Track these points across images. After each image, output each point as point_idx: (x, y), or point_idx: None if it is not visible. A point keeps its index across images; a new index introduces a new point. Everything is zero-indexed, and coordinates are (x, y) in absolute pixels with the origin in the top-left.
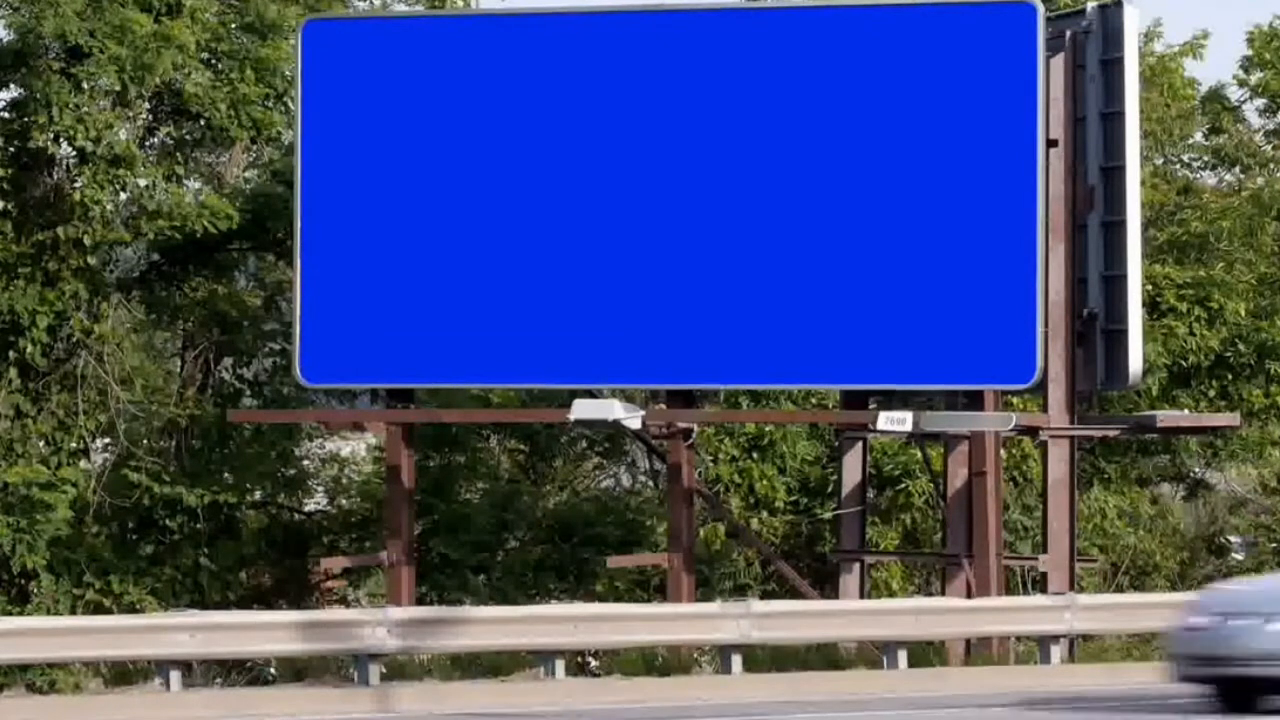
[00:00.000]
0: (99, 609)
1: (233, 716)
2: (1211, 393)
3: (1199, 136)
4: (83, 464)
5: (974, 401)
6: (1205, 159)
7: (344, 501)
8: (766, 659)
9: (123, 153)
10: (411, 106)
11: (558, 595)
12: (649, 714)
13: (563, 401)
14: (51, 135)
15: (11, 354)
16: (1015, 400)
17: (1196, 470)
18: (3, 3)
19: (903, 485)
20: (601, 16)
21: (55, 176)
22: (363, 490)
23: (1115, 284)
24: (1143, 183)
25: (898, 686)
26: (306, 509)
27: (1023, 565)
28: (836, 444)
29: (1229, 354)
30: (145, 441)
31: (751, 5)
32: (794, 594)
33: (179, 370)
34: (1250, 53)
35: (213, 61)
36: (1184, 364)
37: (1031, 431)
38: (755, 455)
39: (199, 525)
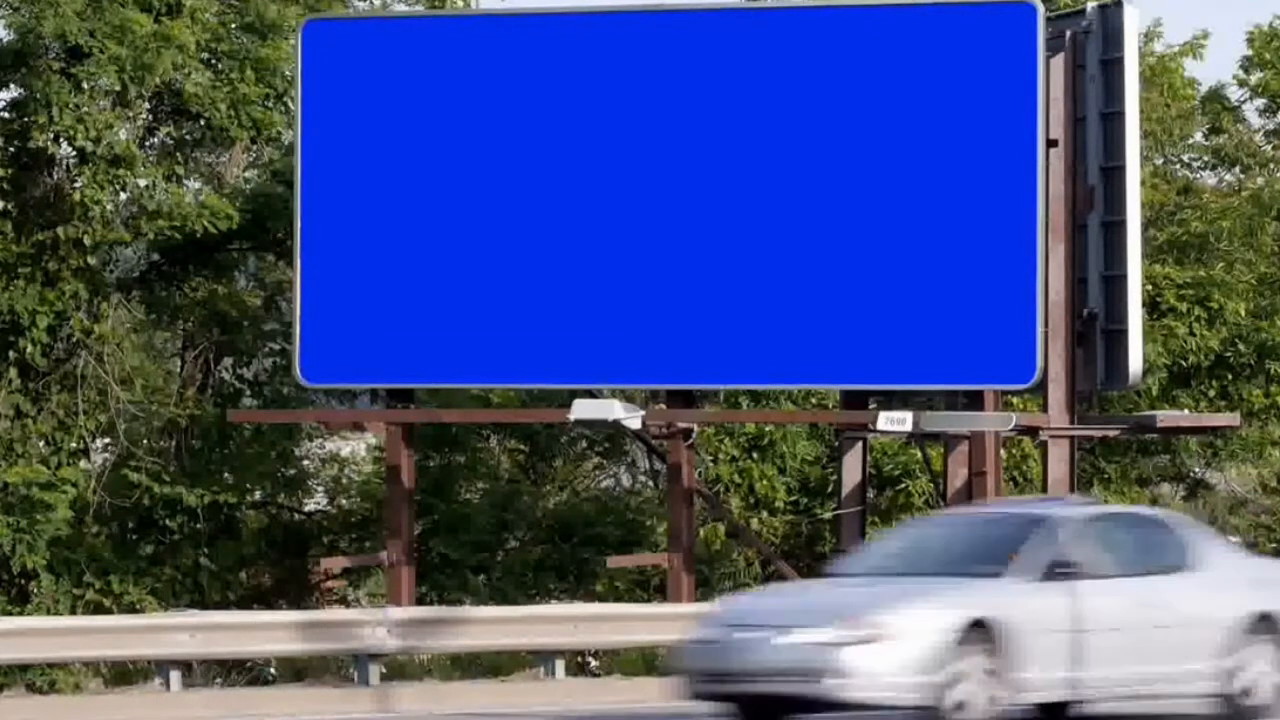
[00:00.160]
0: (99, 609)
1: (233, 716)
2: (1211, 393)
3: (1199, 136)
4: (83, 464)
5: (974, 401)
6: (1205, 159)
7: (344, 501)
8: None
9: (123, 153)
10: (411, 106)
11: (558, 595)
12: (649, 714)
13: (563, 401)
14: (51, 135)
15: (11, 354)
16: (1015, 400)
17: (1196, 470)
18: (3, 3)
19: (903, 485)
20: (601, 16)
21: (55, 176)
22: (363, 490)
23: (1115, 284)
24: (1143, 183)
25: None
26: (306, 509)
27: None
28: (836, 444)
29: (1229, 354)
30: (145, 441)
31: (751, 5)
32: None
33: (179, 370)
34: (1250, 53)
35: (213, 61)
36: (1184, 364)
37: (1031, 431)
38: (755, 455)
39: (199, 525)
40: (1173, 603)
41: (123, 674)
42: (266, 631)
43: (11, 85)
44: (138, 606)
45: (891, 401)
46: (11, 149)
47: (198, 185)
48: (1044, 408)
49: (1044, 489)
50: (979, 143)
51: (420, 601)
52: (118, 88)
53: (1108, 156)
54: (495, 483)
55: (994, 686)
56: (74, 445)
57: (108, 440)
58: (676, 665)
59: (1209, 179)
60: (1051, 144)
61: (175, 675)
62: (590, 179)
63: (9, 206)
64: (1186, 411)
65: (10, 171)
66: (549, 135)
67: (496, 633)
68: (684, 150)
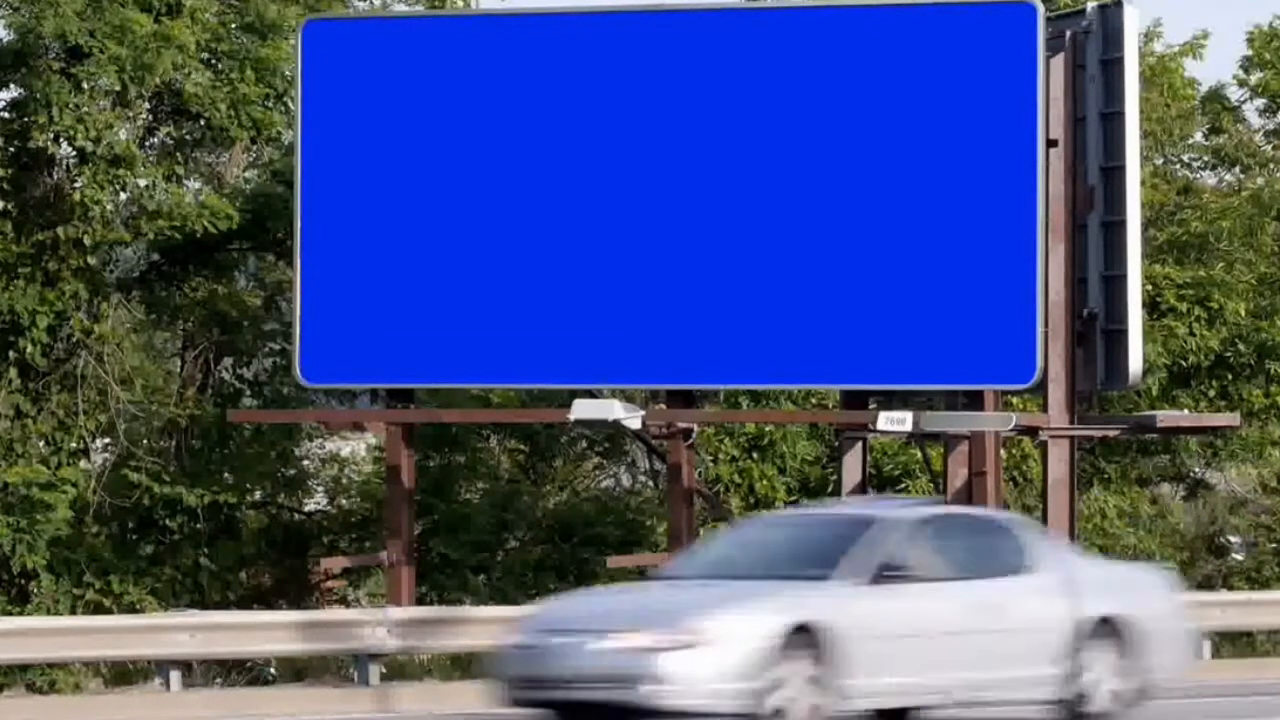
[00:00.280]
0: (99, 609)
1: (233, 716)
2: (1211, 393)
3: (1199, 136)
4: (83, 464)
5: (974, 401)
6: (1205, 159)
7: (344, 501)
8: None
9: (123, 153)
10: (411, 106)
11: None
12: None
13: (563, 401)
14: (51, 135)
15: (11, 354)
16: (1015, 400)
17: (1196, 470)
18: (3, 3)
19: (903, 485)
20: (601, 16)
21: (55, 176)
22: (363, 490)
23: (1115, 284)
24: (1143, 183)
25: None
26: (306, 509)
27: None
28: (836, 444)
29: (1229, 354)
30: (145, 441)
31: (751, 5)
32: None
33: (179, 370)
34: (1250, 53)
35: (213, 61)
36: (1184, 364)
37: (1031, 431)
38: (755, 455)
39: (199, 525)
40: (1009, 606)
41: (123, 674)
42: (266, 631)
43: (11, 85)
44: (138, 606)
45: (891, 401)
46: (11, 149)
47: (198, 185)
48: (1044, 408)
49: (1044, 489)
50: (979, 143)
51: (420, 601)
52: (118, 88)
53: (1108, 156)
54: (495, 483)
55: (818, 694)
56: (74, 445)
57: (108, 440)
58: (495, 671)
59: (1209, 179)
60: (1051, 144)
61: (175, 675)
62: (590, 179)
63: (9, 206)
64: (1186, 411)
65: (10, 171)
66: (549, 135)
67: (496, 633)
68: (684, 150)
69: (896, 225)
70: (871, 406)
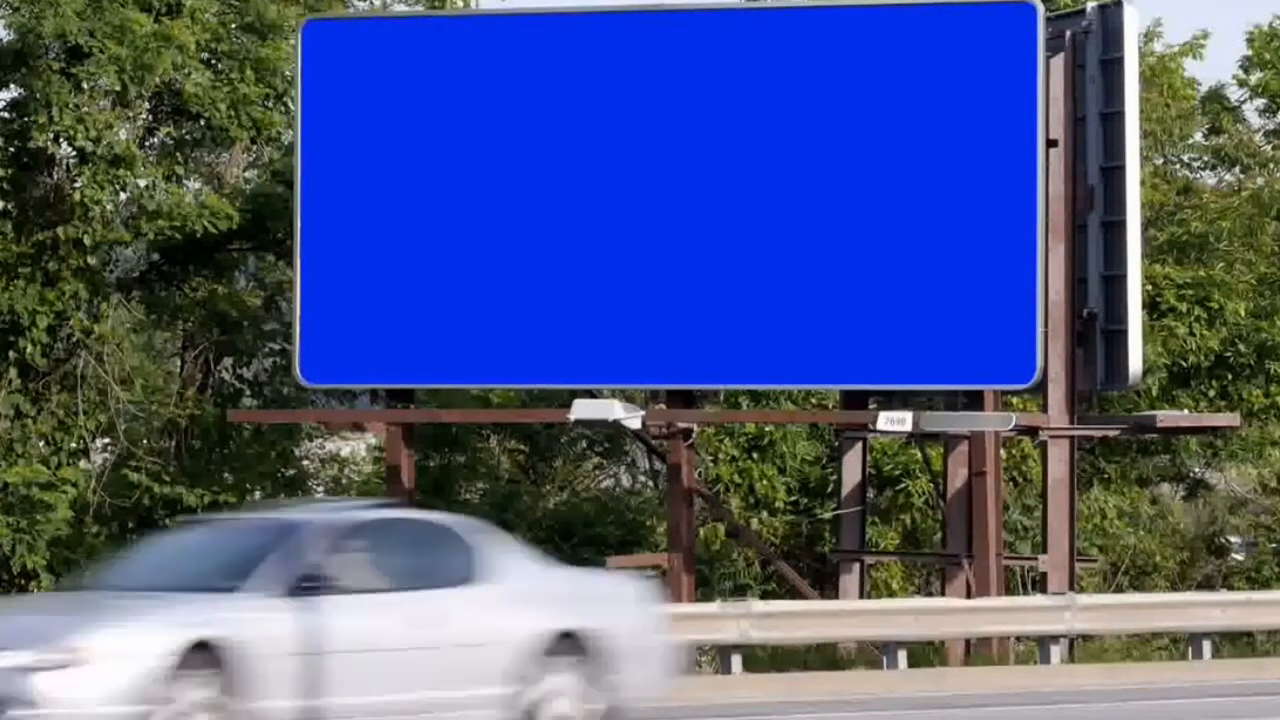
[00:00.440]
0: None
1: None
2: (1211, 393)
3: (1199, 136)
4: (83, 464)
5: (974, 401)
6: (1205, 159)
7: None
8: (766, 659)
9: (123, 153)
10: (411, 107)
11: None
12: (649, 713)
13: (563, 401)
14: (51, 135)
15: (11, 354)
16: (1015, 400)
17: (1196, 470)
18: (3, 3)
19: (903, 485)
20: (602, 16)
21: (55, 176)
22: (363, 490)
23: (1115, 284)
24: (1143, 183)
25: (897, 686)
26: None
27: (1023, 565)
28: (836, 444)
29: (1229, 354)
30: (145, 441)
31: (751, 5)
32: (794, 594)
33: (179, 370)
34: (1250, 53)
35: (213, 61)
36: (1184, 364)
37: (1031, 431)
38: (755, 455)
39: None
40: (453, 620)
41: None
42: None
43: (11, 85)
44: None
45: (891, 401)
46: (11, 149)
47: (198, 185)
48: (1044, 408)
49: (1044, 489)
50: (979, 143)
51: None
52: (118, 88)
53: (1108, 156)
54: (495, 483)
55: (222, 718)
56: (74, 445)
57: (108, 440)
58: None
59: (1209, 179)
60: (1051, 144)
61: None
62: (590, 179)
63: (9, 206)
64: (1186, 411)
65: (10, 171)
66: (549, 135)
67: None
68: (684, 150)
69: (896, 225)
70: (871, 406)
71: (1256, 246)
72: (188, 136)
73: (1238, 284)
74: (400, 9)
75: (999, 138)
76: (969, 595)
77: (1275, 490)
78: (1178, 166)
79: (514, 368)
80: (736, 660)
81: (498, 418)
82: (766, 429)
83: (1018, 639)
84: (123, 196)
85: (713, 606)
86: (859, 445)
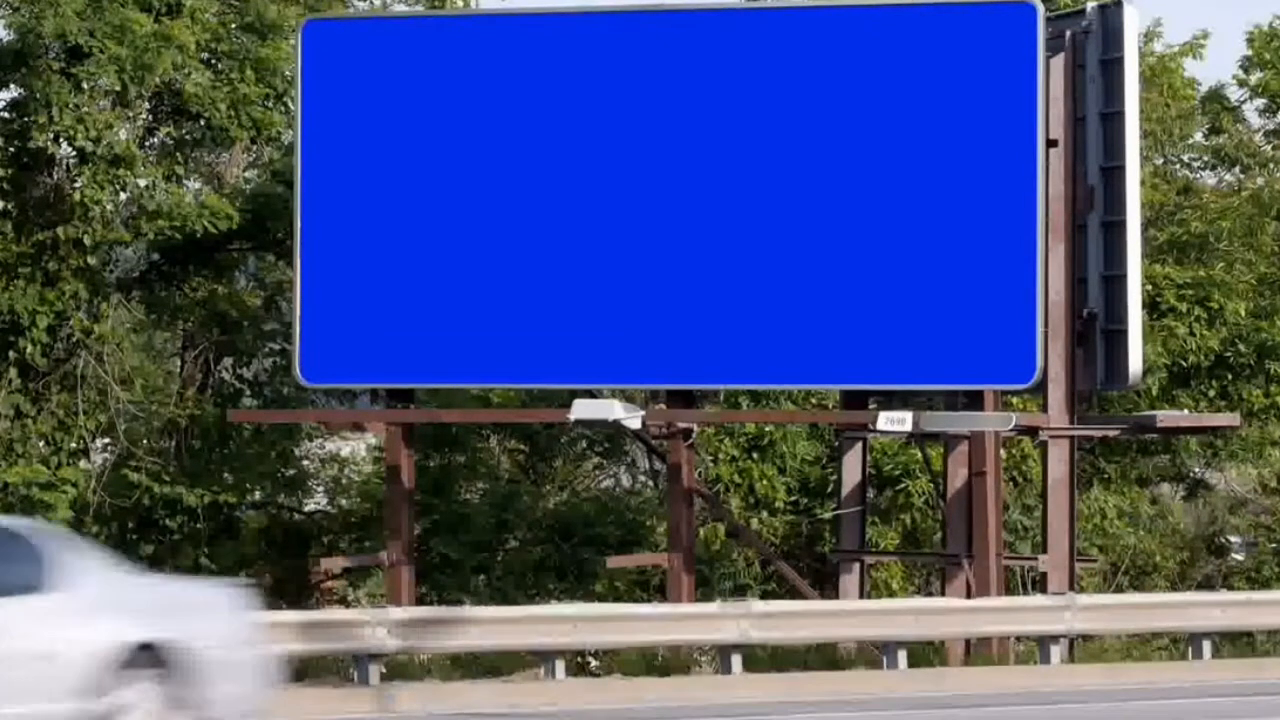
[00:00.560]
0: None
1: None
2: (1211, 393)
3: (1199, 136)
4: (83, 464)
5: (974, 401)
6: (1205, 159)
7: (344, 501)
8: (766, 659)
9: (123, 153)
10: (411, 106)
11: (558, 595)
12: (649, 714)
13: (563, 401)
14: (51, 135)
15: (11, 354)
16: (1015, 400)
17: (1196, 470)
18: (3, 3)
19: (903, 485)
20: (602, 16)
21: (55, 176)
22: (363, 490)
23: (1115, 284)
24: (1143, 183)
25: (897, 686)
26: (306, 509)
27: (1023, 565)
28: (836, 444)
29: (1229, 354)
30: (145, 441)
31: (751, 5)
32: (794, 594)
33: (179, 370)
34: (1250, 53)
35: (213, 61)
36: (1184, 364)
37: (1031, 431)
38: (755, 455)
39: (199, 525)
40: (15, 630)
41: None
42: (266, 631)
43: (11, 85)
44: None
45: (891, 401)
46: (11, 149)
47: (198, 185)
48: (1044, 408)
49: (1044, 489)
50: (979, 143)
51: (420, 601)
52: (118, 88)
53: (1108, 156)
54: (495, 483)
55: None
56: (74, 445)
57: (108, 440)
58: None
59: (1209, 179)
60: (1051, 144)
61: None
62: (590, 179)
63: (9, 206)
64: (1186, 411)
65: (10, 171)
66: (549, 135)
67: (496, 633)
68: (684, 150)
69: (896, 225)
70: (871, 406)
71: (1256, 246)
72: (188, 136)
73: (1238, 284)
74: (400, 9)
75: (999, 138)
76: (969, 595)
77: (1275, 490)
78: (1178, 166)
79: (514, 368)
80: (736, 660)
81: (498, 418)
82: (766, 429)
83: (1018, 639)
84: (123, 196)
85: (713, 606)
86: (859, 445)
